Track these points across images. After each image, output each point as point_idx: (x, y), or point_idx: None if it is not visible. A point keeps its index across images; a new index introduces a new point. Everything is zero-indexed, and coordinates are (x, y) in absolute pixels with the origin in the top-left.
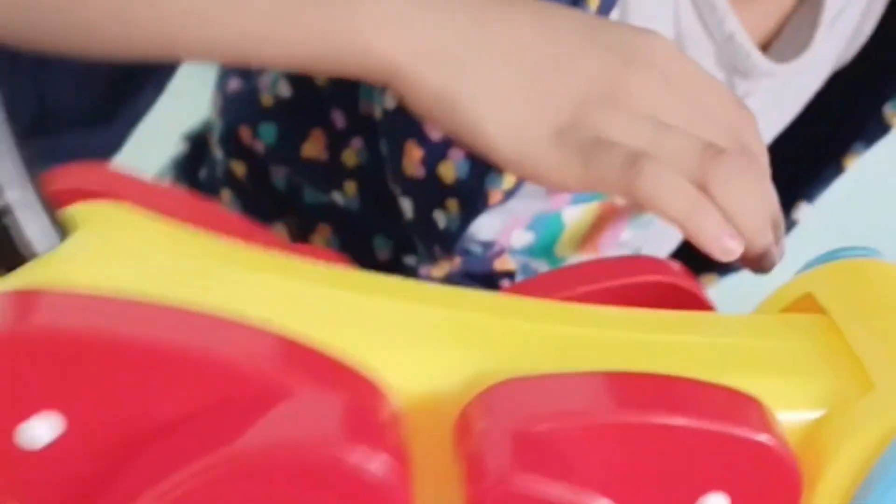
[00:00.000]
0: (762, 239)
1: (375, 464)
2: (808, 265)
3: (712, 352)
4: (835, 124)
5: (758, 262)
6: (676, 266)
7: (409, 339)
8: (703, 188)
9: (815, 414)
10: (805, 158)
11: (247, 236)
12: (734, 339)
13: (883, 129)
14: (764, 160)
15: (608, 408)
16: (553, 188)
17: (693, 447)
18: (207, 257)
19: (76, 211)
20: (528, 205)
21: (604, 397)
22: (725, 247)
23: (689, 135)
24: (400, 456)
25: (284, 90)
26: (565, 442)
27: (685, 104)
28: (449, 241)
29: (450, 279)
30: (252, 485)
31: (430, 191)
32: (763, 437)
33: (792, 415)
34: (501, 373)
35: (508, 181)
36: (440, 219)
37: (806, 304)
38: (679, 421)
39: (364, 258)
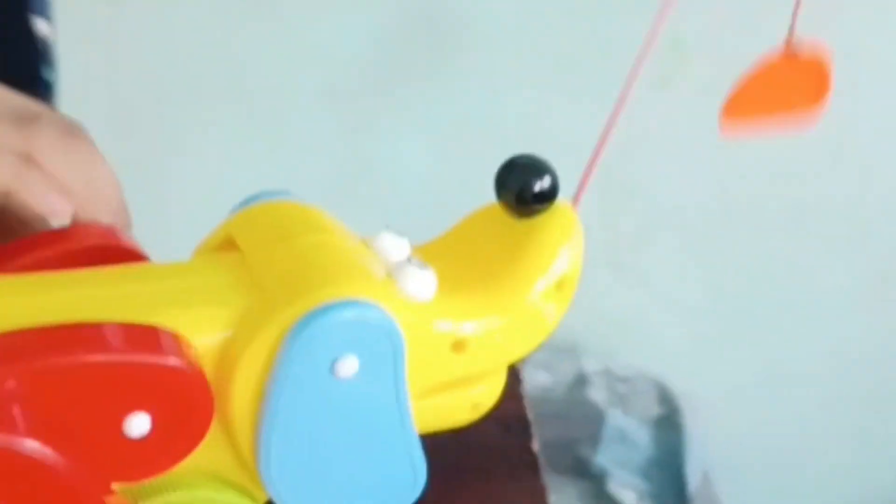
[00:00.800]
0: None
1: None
2: (233, 210)
3: (139, 297)
4: None
5: None
6: (112, 228)
7: None
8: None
9: (224, 335)
10: None
11: None
12: (160, 283)
13: None
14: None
15: (22, 358)
16: None
17: (110, 378)
18: None
19: None
20: None
21: (19, 350)
22: (53, 206)
23: None
24: None
25: None
26: None
27: None
28: None
29: None
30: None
31: None
32: (171, 361)
33: (205, 339)
34: None
35: None
36: None
37: (229, 244)
38: (91, 358)
39: None
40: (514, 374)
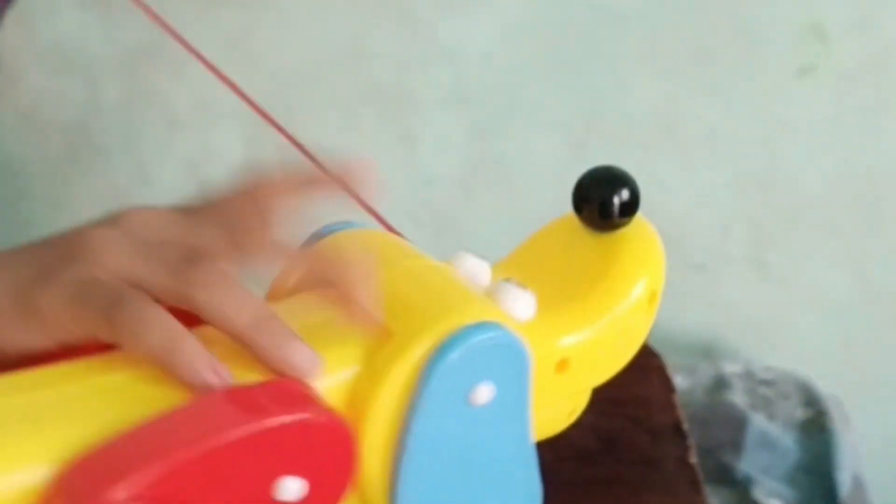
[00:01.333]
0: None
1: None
2: (306, 243)
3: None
4: None
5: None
6: None
7: None
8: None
9: (350, 373)
10: None
11: None
12: None
13: None
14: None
15: (168, 450)
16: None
17: (247, 449)
18: None
19: None
20: None
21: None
22: (206, 381)
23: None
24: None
25: None
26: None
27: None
28: None
29: None
30: None
31: None
32: (302, 416)
33: (330, 380)
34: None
35: None
36: None
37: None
38: (223, 438)
39: None
40: (665, 382)
